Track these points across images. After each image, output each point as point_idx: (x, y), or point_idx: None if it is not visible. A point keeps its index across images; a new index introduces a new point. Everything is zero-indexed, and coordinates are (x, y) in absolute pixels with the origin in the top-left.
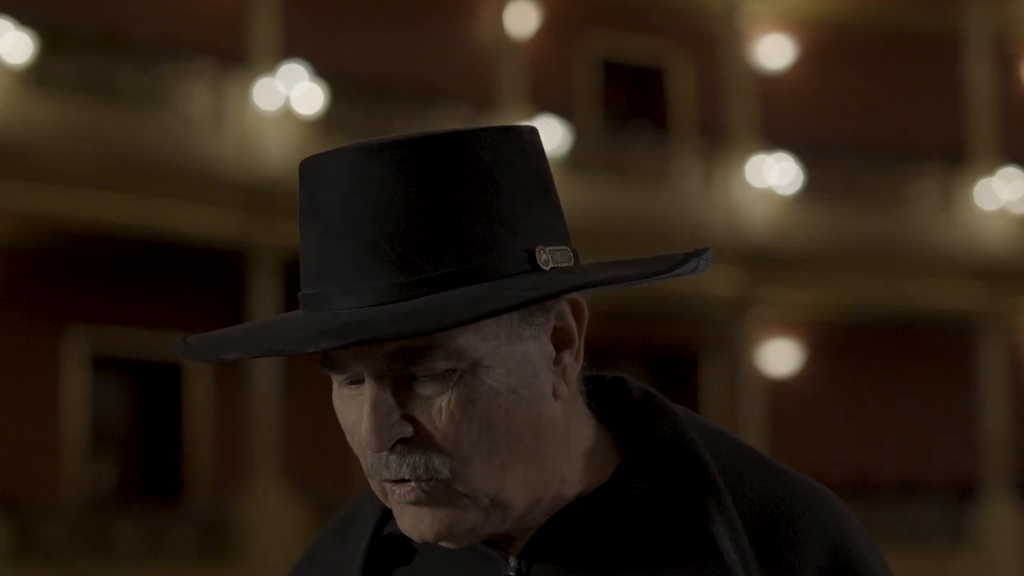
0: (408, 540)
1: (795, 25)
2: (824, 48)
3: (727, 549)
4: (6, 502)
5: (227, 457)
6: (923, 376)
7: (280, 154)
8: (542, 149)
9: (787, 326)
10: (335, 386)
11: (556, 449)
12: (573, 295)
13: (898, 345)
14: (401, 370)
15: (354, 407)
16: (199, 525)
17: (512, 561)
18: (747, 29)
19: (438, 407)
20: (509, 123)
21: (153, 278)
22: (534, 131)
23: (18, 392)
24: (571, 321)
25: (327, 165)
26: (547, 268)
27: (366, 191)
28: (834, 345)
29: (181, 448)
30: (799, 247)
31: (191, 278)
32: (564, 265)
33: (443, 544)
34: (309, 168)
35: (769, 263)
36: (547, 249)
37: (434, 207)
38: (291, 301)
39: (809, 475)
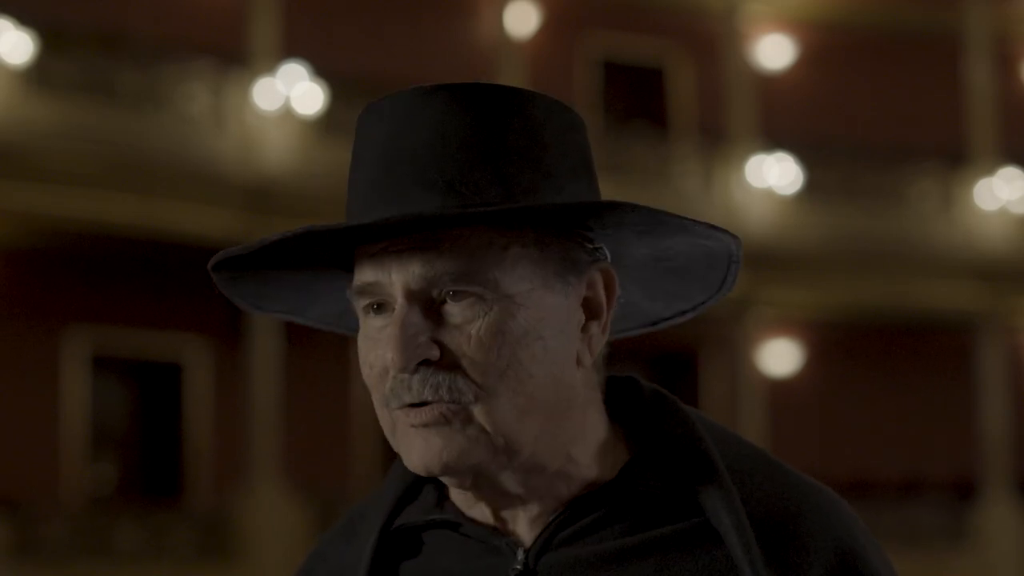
0: (417, 533)
1: (795, 25)
2: (824, 48)
3: (733, 546)
4: (6, 502)
5: (227, 457)
6: (923, 376)
7: (280, 154)
8: (587, 135)
9: (787, 326)
10: (362, 322)
11: (572, 419)
12: (606, 267)
13: (898, 345)
14: (435, 294)
15: (379, 339)
16: (199, 525)
17: (520, 554)
18: (747, 29)
19: (467, 333)
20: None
21: (153, 278)
22: (582, 118)
23: (18, 392)
24: (601, 293)
25: (383, 105)
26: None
27: (421, 124)
28: (834, 345)
29: (181, 448)
30: (799, 247)
31: (191, 278)
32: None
33: (444, 478)
34: (365, 112)
35: (769, 263)
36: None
37: (485, 147)
38: None
39: (809, 475)
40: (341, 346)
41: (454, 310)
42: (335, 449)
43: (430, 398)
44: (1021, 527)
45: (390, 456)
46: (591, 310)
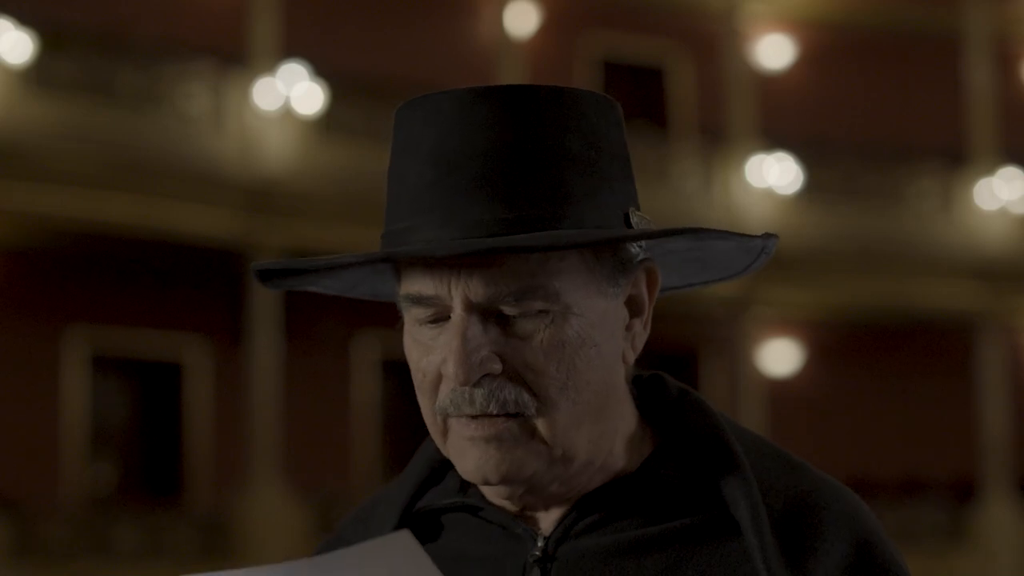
0: (437, 516)
1: (795, 25)
2: (824, 48)
3: (747, 533)
4: (6, 502)
5: (227, 457)
6: (923, 376)
7: (280, 154)
8: (624, 128)
9: (787, 326)
10: (409, 325)
11: (615, 417)
12: (651, 265)
13: (898, 345)
14: (494, 307)
15: (433, 346)
16: (199, 525)
17: (540, 541)
18: (747, 29)
19: (530, 346)
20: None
21: (153, 278)
22: (621, 111)
23: (18, 392)
24: (644, 290)
25: (429, 106)
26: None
27: (474, 130)
28: (834, 345)
29: (181, 448)
30: (799, 247)
31: (191, 278)
32: None
33: (500, 487)
34: (407, 110)
35: (769, 263)
36: (638, 213)
37: (542, 152)
38: (292, 301)
39: None
40: (342, 345)
41: (515, 322)
42: (335, 449)
43: (495, 411)
44: (1021, 527)
45: (390, 456)
46: (635, 307)
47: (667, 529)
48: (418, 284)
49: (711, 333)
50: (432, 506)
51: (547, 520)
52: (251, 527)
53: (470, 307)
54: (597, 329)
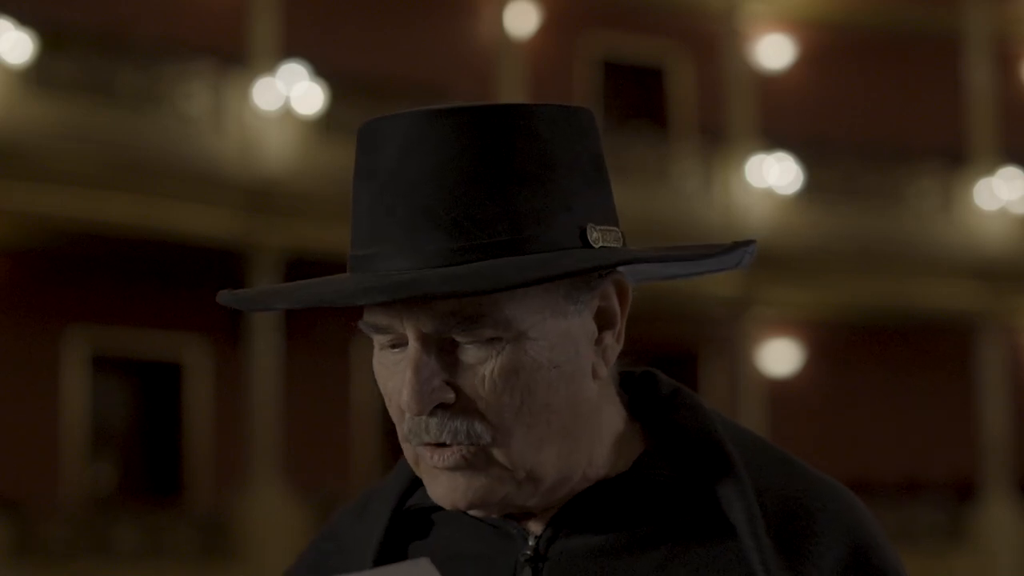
0: (428, 513)
1: (795, 25)
2: (824, 48)
3: (744, 535)
4: (6, 502)
5: (227, 457)
6: (923, 376)
7: (280, 154)
8: (597, 132)
9: (787, 326)
10: (377, 350)
11: (590, 429)
12: (619, 278)
13: (898, 345)
14: (447, 335)
15: (396, 372)
16: (199, 525)
17: (531, 540)
18: (747, 29)
19: (481, 375)
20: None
21: (153, 278)
22: (590, 114)
23: (18, 392)
24: (615, 302)
25: (385, 129)
26: (597, 246)
27: (424, 155)
28: (834, 345)
29: (181, 448)
30: (799, 247)
31: (191, 278)
32: (613, 245)
33: (472, 512)
34: (366, 132)
35: (769, 263)
36: (598, 227)
37: (491, 175)
38: None
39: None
40: (342, 345)
41: (467, 350)
42: (335, 449)
43: (448, 441)
44: (1021, 527)
45: (390, 456)
46: (604, 320)
47: (659, 529)
48: (374, 315)
49: (711, 333)
50: (423, 504)
51: (538, 519)
52: (251, 527)
53: (422, 337)
54: (557, 350)
